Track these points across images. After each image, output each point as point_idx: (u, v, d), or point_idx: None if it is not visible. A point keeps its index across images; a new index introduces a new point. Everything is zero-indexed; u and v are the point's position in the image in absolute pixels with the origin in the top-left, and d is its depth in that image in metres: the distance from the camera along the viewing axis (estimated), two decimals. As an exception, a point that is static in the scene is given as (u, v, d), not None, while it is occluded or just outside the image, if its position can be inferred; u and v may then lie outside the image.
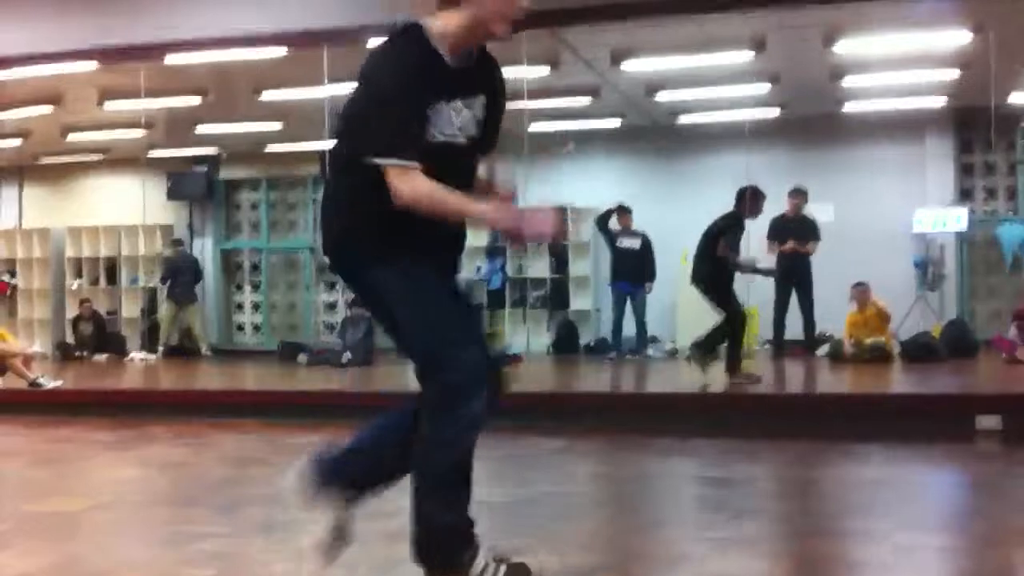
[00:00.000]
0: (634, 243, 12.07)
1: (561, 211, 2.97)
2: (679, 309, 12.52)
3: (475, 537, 2.98)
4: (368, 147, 2.89)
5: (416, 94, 2.88)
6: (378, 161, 2.86)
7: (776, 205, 11.51)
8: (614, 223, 12.18)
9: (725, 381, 8.21)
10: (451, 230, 3.06)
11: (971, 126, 12.79)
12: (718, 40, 9.82)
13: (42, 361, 11.37)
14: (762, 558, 3.56)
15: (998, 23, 9.13)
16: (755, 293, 11.91)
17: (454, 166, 2.97)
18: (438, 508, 2.97)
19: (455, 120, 2.97)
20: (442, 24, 2.94)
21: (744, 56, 10.23)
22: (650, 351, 12.17)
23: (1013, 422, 6.36)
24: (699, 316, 12.40)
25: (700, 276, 8.57)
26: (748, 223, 8.71)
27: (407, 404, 3.05)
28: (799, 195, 11.30)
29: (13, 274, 15.54)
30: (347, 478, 3.03)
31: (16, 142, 14.23)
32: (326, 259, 3.15)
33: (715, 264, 8.45)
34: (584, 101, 12.23)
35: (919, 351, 10.50)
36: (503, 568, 2.94)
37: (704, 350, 8.53)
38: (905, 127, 12.83)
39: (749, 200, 8.58)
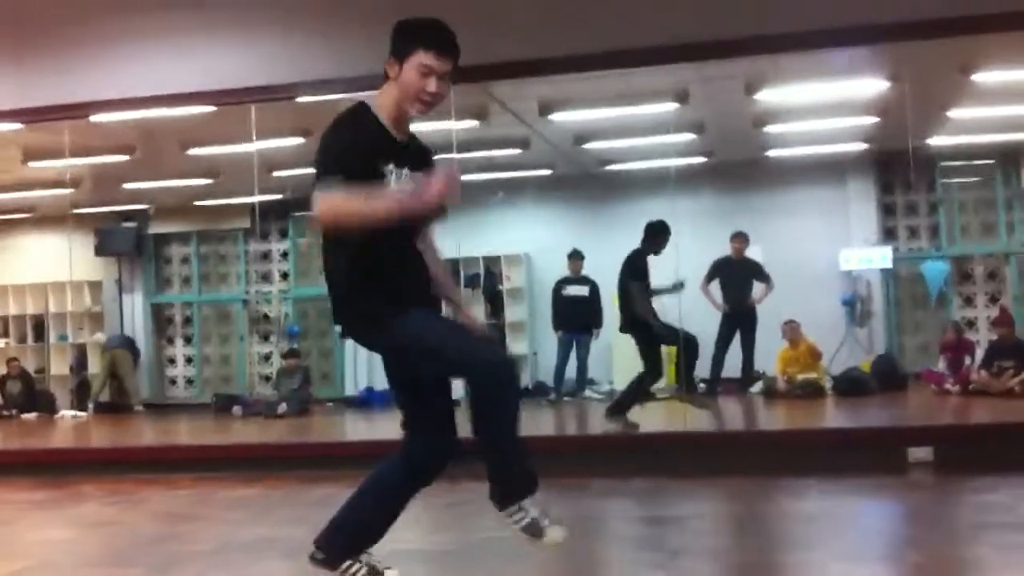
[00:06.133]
0: (581, 290, 12.18)
1: (453, 171, 3.19)
2: (614, 350, 12.59)
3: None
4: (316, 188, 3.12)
5: (365, 151, 3.16)
6: (314, 196, 3.07)
7: (706, 248, 11.76)
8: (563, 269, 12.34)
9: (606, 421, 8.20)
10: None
11: (891, 169, 13.13)
12: (643, 92, 9.98)
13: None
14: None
15: (913, 71, 9.39)
16: (694, 331, 12.06)
17: (409, 229, 3.27)
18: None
19: (403, 187, 3.20)
20: (379, 101, 3.27)
21: (669, 107, 10.42)
22: (588, 392, 12.22)
23: (944, 453, 6.48)
24: (633, 357, 12.55)
25: (626, 323, 8.64)
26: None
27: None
28: (741, 238, 11.58)
29: None
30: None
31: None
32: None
33: (632, 308, 8.49)
34: (514, 152, 12.35)
35: (850, 385, 10.67)
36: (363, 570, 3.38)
37: (624, 407, 8.43)
38: (827, 171, 13.11)
39: (652, 236, 8.70)
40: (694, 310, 11.50)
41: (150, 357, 15.25)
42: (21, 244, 15.21)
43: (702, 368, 11.90)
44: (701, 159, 12.72)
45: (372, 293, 3.22)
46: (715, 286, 11.54)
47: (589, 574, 3.98)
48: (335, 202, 3.04)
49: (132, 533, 5.40)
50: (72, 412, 13.34)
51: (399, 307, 3.22)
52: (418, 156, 3.34)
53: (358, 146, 3.15)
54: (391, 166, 3.19)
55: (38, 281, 14.72)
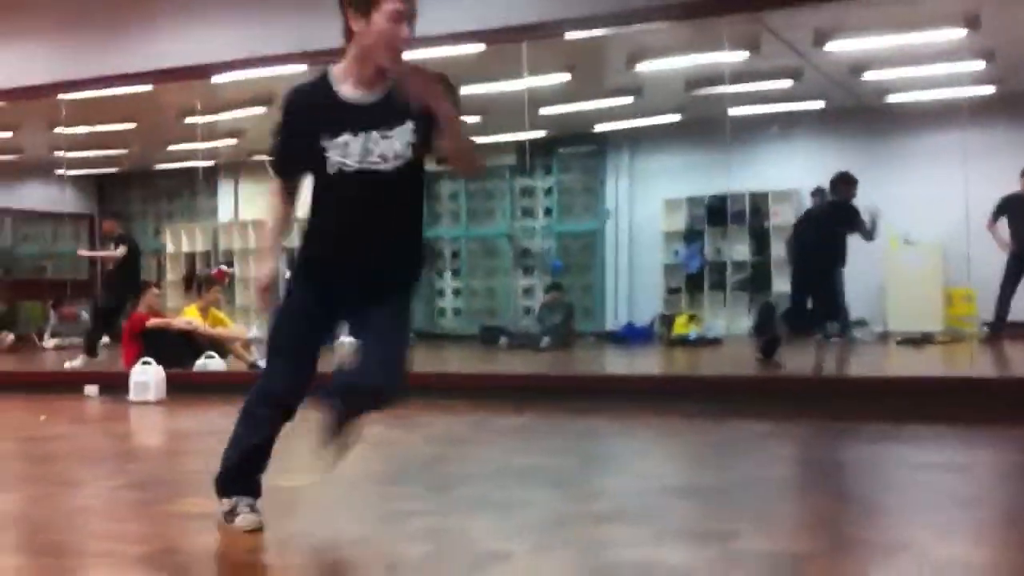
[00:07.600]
0: None
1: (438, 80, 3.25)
2: (888, 291, 12.09)
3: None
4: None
5: (293, 129, 3.37)
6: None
7: (996, 184, 11.01)
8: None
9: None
10: (376, 263, 3.49)
11: None
12: (928, 18, 9.40)
13: (259, 345, 11.96)
14: (990, 546, 3.40)
15: None
16: (974, 274, 11.39)
17: (377, 191, 3.36)
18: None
19: (373, 149, 3.28)
20: (342, 63, 3.31)
21: (957, 33, 9.75)
22: (857, 334, 11.77)
23: None
24: (908, 297, 12.03)
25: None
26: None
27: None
28: None
29: (231, 264, 16.39)
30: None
31: (232, 141, 15.00)
32: None
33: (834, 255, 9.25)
34: (785, 84, 11.96)
35: None
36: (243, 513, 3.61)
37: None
38: None
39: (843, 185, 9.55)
40: (981, 250, 10.86)
41: (422, 289, 15.92)
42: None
43: (986, 310, 11.26)
44: (989, 89, 11.90)
45: (302, 251, 3.60)
46: (1003, 224, 10.82)
47: (865, 519, 3.86)
48: (268, 196, 3.58)
49: (410, 453, 5.69)
50: (350, 339, 14.13)
51: (296, 282, 3.65)
52: (401, 107, 3.27)
53: (286, 126, 3.41)
54: (339, 137, 3.25)
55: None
